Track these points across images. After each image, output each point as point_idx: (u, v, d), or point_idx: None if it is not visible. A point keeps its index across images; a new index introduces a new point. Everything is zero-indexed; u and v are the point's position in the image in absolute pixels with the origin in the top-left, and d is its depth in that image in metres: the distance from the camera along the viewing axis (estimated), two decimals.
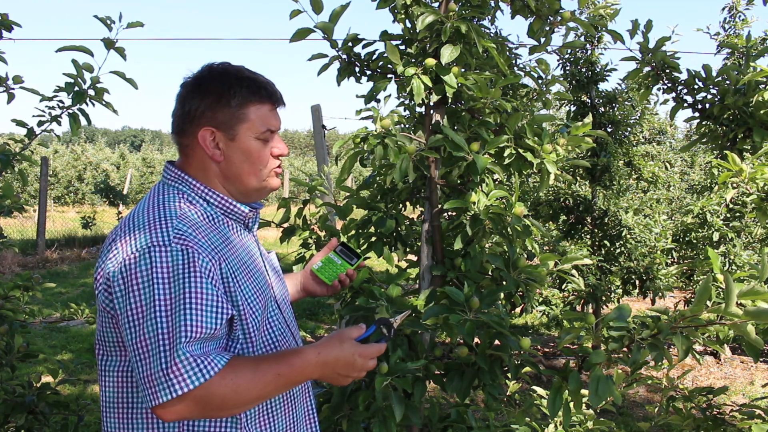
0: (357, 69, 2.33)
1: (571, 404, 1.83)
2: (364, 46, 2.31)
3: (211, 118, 1.36)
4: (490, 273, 2.28)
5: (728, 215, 6.06)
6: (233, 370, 1.20)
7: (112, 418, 1.33)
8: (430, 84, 2.12)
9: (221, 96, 1.36)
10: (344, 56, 2.29)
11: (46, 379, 2.74)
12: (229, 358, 1.21)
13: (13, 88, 2.55)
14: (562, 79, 3.35)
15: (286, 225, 2.50)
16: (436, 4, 2.20)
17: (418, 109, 2.40)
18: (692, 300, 1.49)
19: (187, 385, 1.15)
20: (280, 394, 1.39)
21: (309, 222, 2.51)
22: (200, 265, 1.22)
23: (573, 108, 5.75)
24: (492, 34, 2.53)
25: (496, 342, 1.97)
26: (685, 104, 2.66)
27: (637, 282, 5.69)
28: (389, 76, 2.29)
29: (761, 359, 5.91)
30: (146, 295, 1.19)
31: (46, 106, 2.56)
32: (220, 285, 1.25)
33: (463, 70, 2.18)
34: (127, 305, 1.21)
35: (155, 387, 1.16)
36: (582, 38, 5.45)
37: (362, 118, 2.25)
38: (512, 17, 2.37)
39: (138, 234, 1.25)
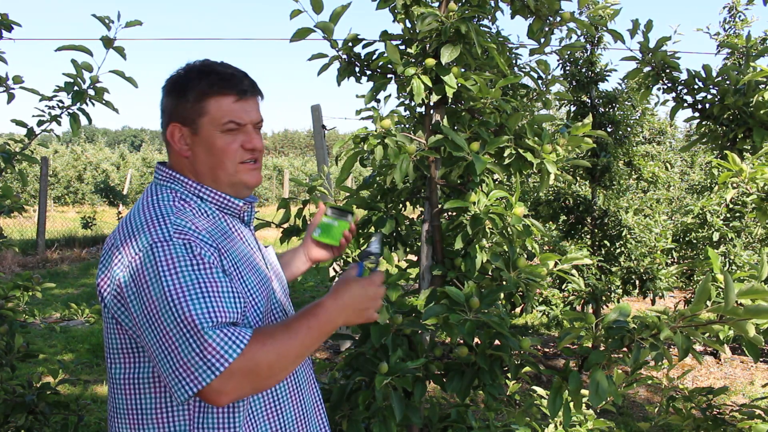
0: (357, 69, 2.33)
1: (571, 404, 1.83)
2: (364, 46, 2.32)
3: (176, 114, 1.38)
4: (490, 273, 2.28)
5: (728, 215, 6.07)
6: (270, 336, 1.20)
7: (124, 424, 1.32)
8: (430, 84, 2.12)
9: (181, 91, 1.38)
10: (344, 56, 2.29)
11: (46, 379, 2.74)
12: (254, 329, 1.21)
13: (13, 88, 2.54)
14: (562, 79, 3.35)
15: (285, 225, 2.50)
16: (436, 4, 2.21)
17: (418, 109, 2.40)
18: (692, 300, 1.49)
19: (226, 360, 1.13)
20: (285, 385, 1.40)
21: (308, 222, 2.51)
22: (204, 257, 1.22)
23: (573, 108, 5.75)
24: (492, 34, 2.53)
25: (496, 342, 1.97)
26: (685, 104, 2.66)
27: (637, 282, 5.69)
28: (389, 76, 2.29)
29: (761, 359, 5.91)
30: (157, 290, 1.18)
31: (46, 106, 2.56)
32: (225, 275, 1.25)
33: (463, 70, 2.18)
34: (142, 307, 1.20)
35: (194, 373, 1.13)
36: (582, 38, 5.45)
37: (362, 118, 2.25)
38: (512, 17, 2.37)
39: (138, 235, 1.25)
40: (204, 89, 1.36)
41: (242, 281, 1.31)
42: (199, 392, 1.15)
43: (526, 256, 2.27)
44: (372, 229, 2.42)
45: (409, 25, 2.25)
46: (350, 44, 2.28)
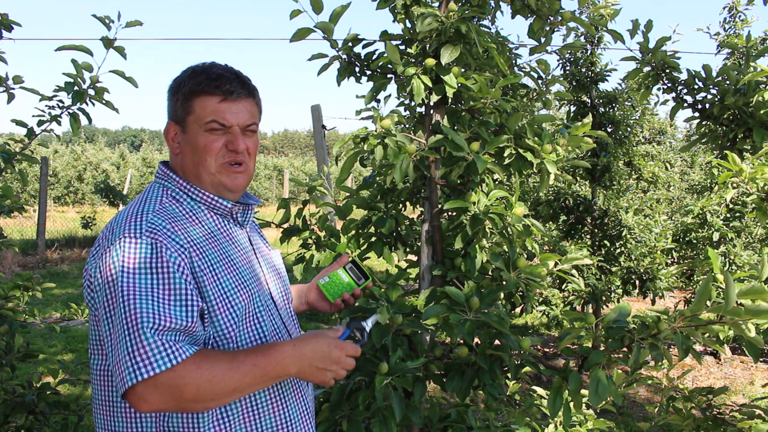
0: (357, 69, 2.33)
1: (571, 404, 1.83)
2: (364, 46, 2.31)
3: (171, 112, 1.44)
4: (490, 273, 2.28)
5: (728, 215, 6.06)
6: (209, 360, 1.19)
7: (99, 415, 1.35)
8: (430, 84, 2.12)
9: (175, 91, 1.42)
10: (344, 56, 2.29)
11: (46, 379, 2.74)
12: (198, 349, 1.20)
13: (13, 88, 2.54)
14: (562, 79, 3.35)
15: (286, 225, 2.50)
16: (436, 4, 2.20)
17: (418, 109, 2.40)
18: (692, 300, 1.49)
19: (153, 369, 1.13)
20: (266, 391, 1.38)
21: (309, 222, 2.51)
22: (167, 259, 1.24)
23: (573, 108, 5.75)
24: (492, 34, 2.53)
25: (496, 342, 1.97)
26: (685, 104, 2.66)
27: (637, 282, 5.69)
28: (389, 76, 2.29)
29: (761, 359, 5.91)
30: (114, 285, 1.21)
31: (46, 106, 2.56)
32: (190, 279, 1.26)
33: (463, 70, 2.18)
34: (103, 298, 1.24)
35: (123, 372, 1.15)
36: (582, 38, 5.45)
37: (362, 118, 2.25)
38: (512, 17, 2.37)
39: (116, 229, 1.29)
40: (192, 88, 1.39)
41: (217, 283, 1.32)
42: (125, 393, 1.16)
43: (526, 256, 2.27)
44: (372, 229, 2.42)
45: (409, 25, 2.25)
46: (350, 44, 2.28)
